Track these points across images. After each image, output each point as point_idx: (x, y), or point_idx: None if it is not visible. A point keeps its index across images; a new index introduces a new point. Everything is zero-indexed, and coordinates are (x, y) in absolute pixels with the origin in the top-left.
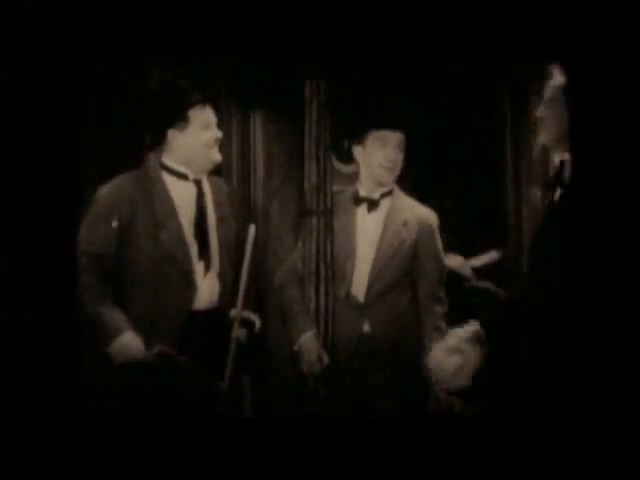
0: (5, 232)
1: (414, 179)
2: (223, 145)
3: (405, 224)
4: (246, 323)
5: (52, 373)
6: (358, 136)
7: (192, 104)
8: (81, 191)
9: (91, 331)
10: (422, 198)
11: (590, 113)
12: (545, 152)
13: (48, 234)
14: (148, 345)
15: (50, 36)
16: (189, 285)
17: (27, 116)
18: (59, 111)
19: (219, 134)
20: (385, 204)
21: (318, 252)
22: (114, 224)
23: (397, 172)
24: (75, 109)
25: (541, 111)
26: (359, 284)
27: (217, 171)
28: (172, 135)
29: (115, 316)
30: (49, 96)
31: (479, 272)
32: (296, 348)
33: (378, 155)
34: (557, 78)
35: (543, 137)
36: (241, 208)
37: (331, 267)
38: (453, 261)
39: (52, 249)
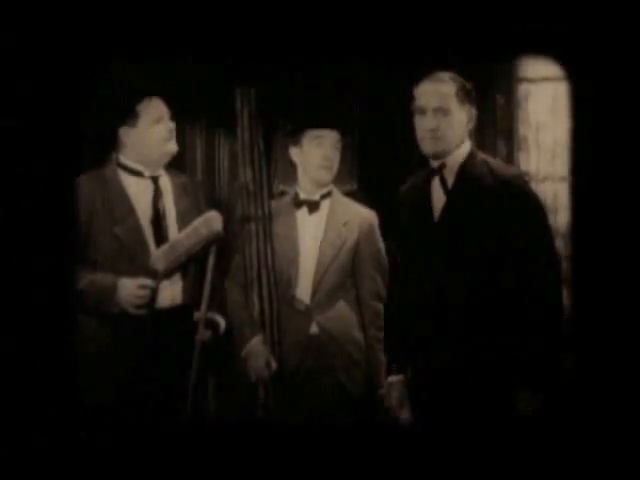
0: (4, 229)
1: (375, 180)
2: (188, 144)
3: (346, 224)
4: (211, 324)
5: (49, 372)
6: (295, 137)
7: (140, 98)
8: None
9: (89, 301)
10: (384, 199)
11: (590, 112)
12: (509, 151)
13: (46, 228)
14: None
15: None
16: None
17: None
18: (58, 108)
19: (171, 125)
20: (325, 205)
21: (259, 258)
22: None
23: (335, 171)
24: (74, 107)
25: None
26: (304, 286)
27: (181, 169)
28: (124, 132)
29: (106, 276)
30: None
31: None
32: (244, 355)
33: (315, 155)
34: (447, 86)
35: (429, 148)
36: (205, 205)
37: (273, 272)
38: None
39: (50, 245)
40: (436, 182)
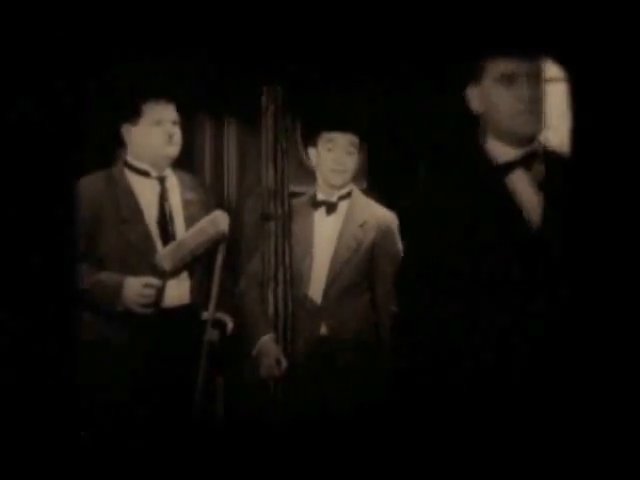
0: (3, 229)
1: (385, 180)
2: (196, 145)
3: (362, 225)
4: (218, 324)
5: (49, 372)
6: (312, 138)
7: (145, 98)
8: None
9: (95, 300)
10: (394, 198)
11: (590, 110)
12: None
13: (45, 230)
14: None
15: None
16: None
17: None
18: (59, 109)
19: (173, 130)
20: (344, 206)
21: (276, 256)
22: (79, 224)
23: (349, 174)
24: (74, 107)
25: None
26: (316, 286)
27: (189, 170)
28: (126, 130)
29: (112, 275)
30: (48, 95)
31: None
32: (255, 352)
33: (328, 158)
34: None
35: (526, 127)
36: (214, 206)
37: (290, 271)
38: None
39: (50, 246)
40: (518, 178)
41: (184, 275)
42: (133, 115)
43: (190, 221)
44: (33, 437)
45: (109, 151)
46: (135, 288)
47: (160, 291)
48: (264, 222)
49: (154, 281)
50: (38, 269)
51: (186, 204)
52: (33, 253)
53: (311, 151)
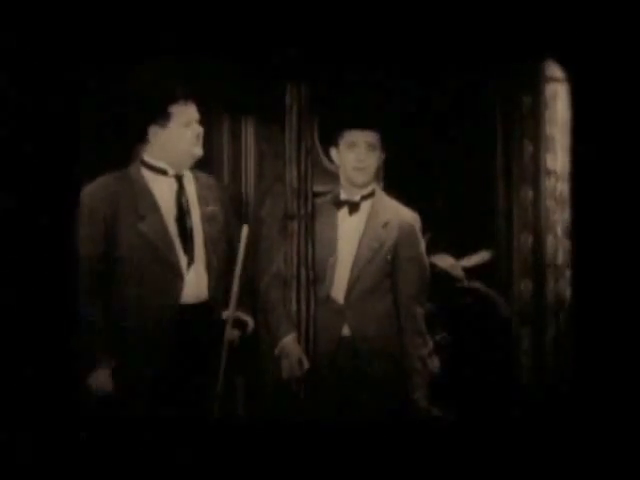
0: (4, 232)
1: (403, 179)
2: (214, 144)
3: (385, 225)
4: (239, 324)
5: (51, 373)
6: (334, 137)
7: (174, 100)
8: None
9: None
10: (412, 198)
11: (589, 110)
12: (536, 152)
13: (46, 234)
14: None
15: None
16: (176, 277)
17: (26, 116)
18: (59, 111)
19: (200, 130)
20: (366, 206)
21: (299, 256)
22: (98, 224)
23: (371, 173)
24: (75, 108)
25: None
26: (339, 286)
27: (207, 169)
28: (153, 131)
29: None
30: (48, 95)
31: (470, 272)
32: (277, 352)
33: (349, 156)
34: None
35: None
36: (230, 205)
37: (312, 271)
38: (444, 261)
39: (50, 249)
40: None
41: (201, 270)
42: (162, 117)
43: (208, 220)
44: (45, 439)
45: (124, 151)
46: None
47: None
48: (287, 222)
49: None
50: (39, 269)
51: (203, 203)
52: (34, 254)
53: (332, 151)
